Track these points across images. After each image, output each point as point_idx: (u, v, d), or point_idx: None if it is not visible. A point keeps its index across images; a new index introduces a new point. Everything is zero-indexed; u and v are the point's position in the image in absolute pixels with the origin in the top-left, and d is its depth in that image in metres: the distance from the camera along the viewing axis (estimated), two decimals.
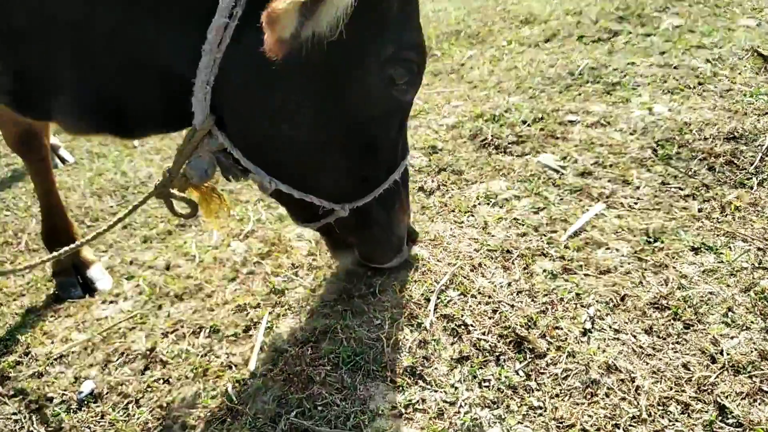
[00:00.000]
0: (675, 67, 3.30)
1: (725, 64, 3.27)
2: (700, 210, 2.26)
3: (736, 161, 2.48)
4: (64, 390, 1.93)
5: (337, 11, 1.04)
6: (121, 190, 3.53)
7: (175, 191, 1.60)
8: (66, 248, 1.71)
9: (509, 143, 2.94)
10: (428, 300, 1.99)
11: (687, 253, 2.02)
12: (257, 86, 1.32)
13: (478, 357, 1.76)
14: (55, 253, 1.72)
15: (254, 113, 1.39)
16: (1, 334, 2.29)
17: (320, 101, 1.37)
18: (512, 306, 1.93)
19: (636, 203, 2.38)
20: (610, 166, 2.61)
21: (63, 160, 4.09)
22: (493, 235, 2.33)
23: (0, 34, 1.28)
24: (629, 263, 2.04)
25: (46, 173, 2.63)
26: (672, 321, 1.77)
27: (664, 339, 1.73)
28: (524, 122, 3.06)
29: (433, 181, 2.79)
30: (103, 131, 1.47)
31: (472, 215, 2.49)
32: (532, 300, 1.96)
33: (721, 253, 2.00)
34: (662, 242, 2.11)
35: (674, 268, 1.97)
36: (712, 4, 4.10)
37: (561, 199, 2.47)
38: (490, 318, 1.89)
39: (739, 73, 3.17)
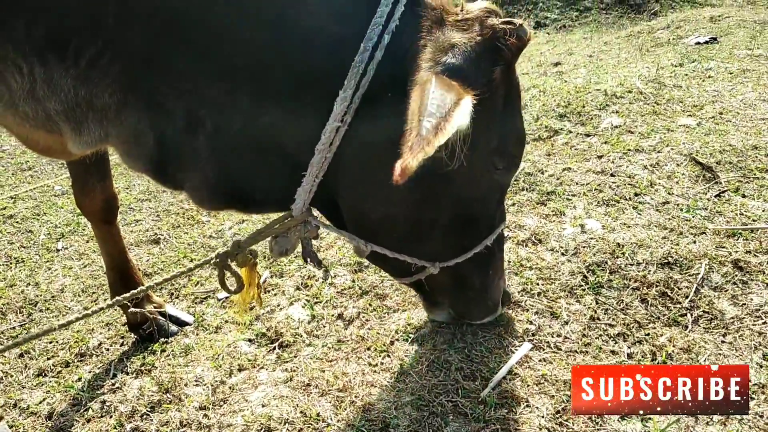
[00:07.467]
0: (612, 174, 3.20)
1: (663, 172, 3.17)
2: (629, 356, 2.06)
3: (669, 293, 2.32)
4: None
5: (453, 137, 1.13)
6: (29, 307, 3.24)
7: (233, 265, 1.64)
8: None
9: None
10: None
11: (611, 420, 1.81)
12: (369, 177, 1.46)
13: None
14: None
15: (363, 197, 1.53)
16: None
17: (429, 188, 1.50)
18: None
19: (563, 343, 2.18)
20: (539, 294, 2.42)
21: None
22: (407, 384, 2.09)
23: (153, 101, 1.41)
24: (548, 429, 1.82)
25: None
26: None
27: None
28: None
29: (353, 308, 2.57)
30: (227, 208, 1.61)
31: (389, 356, 2.26)
32: None
33: (649, 419, 1.78)
34: None
35: None
36: (652, 101, 4.08)
37: (484, 336, 2.25)
38: None
39: (677, 182, 3.07)
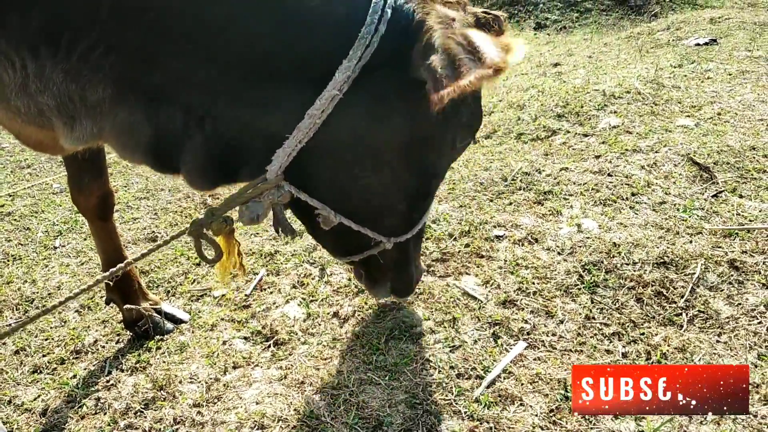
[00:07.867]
0: (609, 174, 3.19)
1: (660, 172, 3.17)
2: (624, 355, 2.06)
3: (665, 292, 2.31)
4: None
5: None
6: (25, 304, 3.24)
7: (209, 233, 1.63)
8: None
9: (433, 261, 2.75)
10: None
11: (605, 418, 1.80)
12: (353, 147, 1.50)
13: None
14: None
15: (343, 167, 1.55)
16: None
17: (407, 159, 1.56)
18: None
19: (558, 342, 2.18)
20: (534, 293, 2.42)
21: None
22: (401, 383, 2.09)
23: (148, 94, 1.42)
24: (541, 428, 1.81)
25: None
26: None
27: None
28: (451, 236, 2.88)
29: (349, 306, 2.57)
30: (217, 187, 1.60)
31: (383, 354, 2.25)
32: None
33: (643, 418, 1.78)
34: None
35: None
36: (650, 102, 4.07)
37: (479, 335, 2.25)
38: None
39: (674, 182, 3.07)
